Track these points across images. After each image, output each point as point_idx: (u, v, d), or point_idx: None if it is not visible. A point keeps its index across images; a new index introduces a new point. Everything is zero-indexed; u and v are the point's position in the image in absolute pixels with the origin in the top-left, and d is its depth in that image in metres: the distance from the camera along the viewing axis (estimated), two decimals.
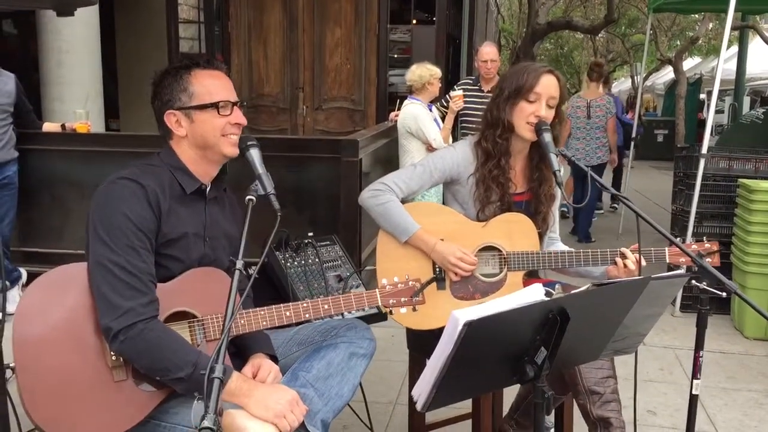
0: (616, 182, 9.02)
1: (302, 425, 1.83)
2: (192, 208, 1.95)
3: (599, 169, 7.04)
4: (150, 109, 2.01)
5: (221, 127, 1.91)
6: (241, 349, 2.01)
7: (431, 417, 2.76)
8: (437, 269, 2.38)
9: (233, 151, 1.95)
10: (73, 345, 1.77)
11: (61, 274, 1.83)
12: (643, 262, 2.26)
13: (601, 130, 7.00)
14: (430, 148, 5.12)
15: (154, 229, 1.83)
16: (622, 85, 30.20)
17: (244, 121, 1.97)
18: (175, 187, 1.92)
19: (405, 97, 5.55)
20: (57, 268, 1.83)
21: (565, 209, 7.96)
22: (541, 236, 2.47)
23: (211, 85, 1.93)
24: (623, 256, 2.34)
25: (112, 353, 1.77)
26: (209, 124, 1.91)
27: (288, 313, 1.93)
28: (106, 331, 1.74)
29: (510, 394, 2.82)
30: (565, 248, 2.58)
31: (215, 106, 1.91)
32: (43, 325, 1.76)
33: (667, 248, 2.33)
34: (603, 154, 7.04)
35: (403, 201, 2.43)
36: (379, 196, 2.38)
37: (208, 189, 2.00)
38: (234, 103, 1.94)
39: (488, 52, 5.56)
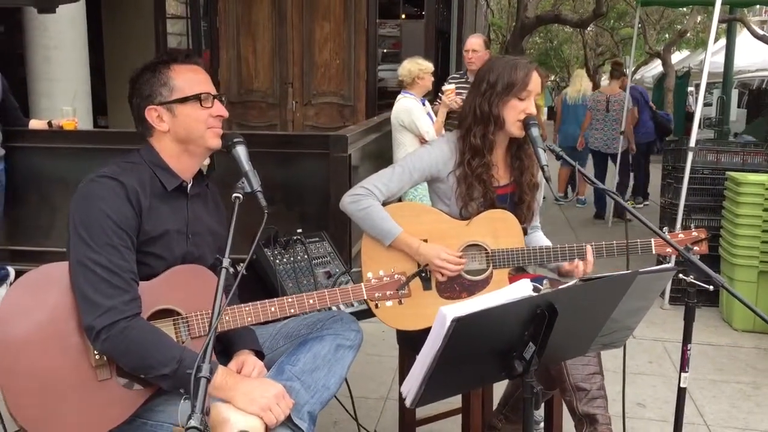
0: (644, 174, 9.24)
1: (289, 418, 1.82)
2: (173, 206, 1.94)
3: (615, 158, 7.94)
4: None
5: (204, 119, 1.91)
6: (226, 346, 2.01)
7: (422, 412, 2.76)
8: (419, 267, 2.37)
9: (217, 143, 1.95)
10: (56, 345, 1.75)
11: (42, 273, 1.81)
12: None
13: (618, 123, 7.82)
14: (423, 141, 5.14)
15: (134, 227, 1.82)
16: None
17: (225, 113, 1.97)
18: (155, 184, 1.90)
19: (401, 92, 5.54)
20: (38, 268, 1.81)
21: (580, 204, 8.89)
22: (525, 230, 2.47)
23: (191, 79, 1.92)
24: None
25: (95, 352, 1.76)
26: (192, 117, 1.90)
27: (273, 309, 1.92)
28: (89, 330, 1.73)
29: (500, 388, 2.82)
30: (544, 240, 2.61)
31: (197, 98, 1.90)
32: (26, 325, 1.75)
33: (652, 239, 2.33)
34: (618, 144, 7.83)
35: (385, 203, 2.42)
36: (360, 201, 2.37)
37: (189, 186, 1.98)
38: (215, 96, 1.94)
39: (472, 42, 5.56)
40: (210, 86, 1.95)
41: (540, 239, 2.63)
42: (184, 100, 1.89)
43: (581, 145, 8.32)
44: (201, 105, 1.90)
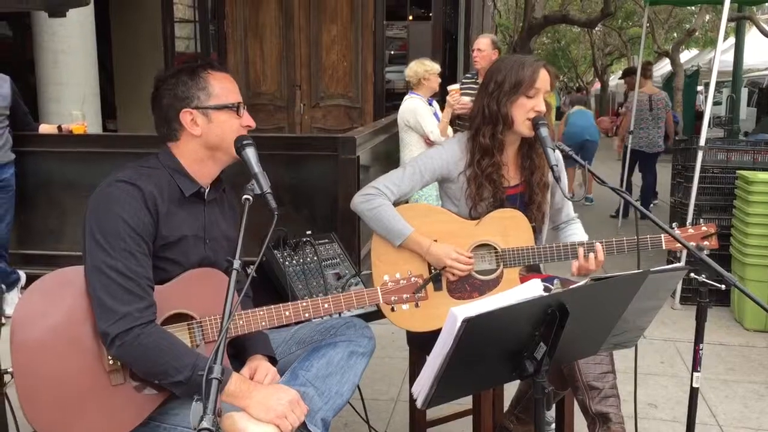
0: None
1: (303, 424, 1.82)
2: (191, 211, 1.94)
3: (656, 157, 8.16)
4: (147, 109, 1.99)
5: (237, 128, 1.92)
6: (239, 351, 2.01)
7: (432, 413, 2.76)
8: (433, 269, 2.37)
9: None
10: (70, 349, 1.76)
11: (57, 277, 1.81)
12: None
13: (662, 121, 7.99)
14: (428, 141, 5.16)
15: (151, 233, 1.82)
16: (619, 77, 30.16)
17: (254, 123, 1.99)
18: (173, 189, 1.90)
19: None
20: (54, 272, 1.82)
21: (588, 201, 9.10)
22: (535, 229, 2.46)
23: (228, 87, 1.94)
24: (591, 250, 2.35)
25: (109, 357, 1.76)
26: (228, 125, 1.91)
27: (287, 313, 1.92)
28: (104, 336, 1.73)
29: (511, 389, 2.82)
30: (581, 233, 2.57)
31: (235, 107, 1.92)
32: (41, 329, 1.75)
33: (662, 235, 2.32)
34: (663, 143, 8.09)
35: (396, 203, 2.41)
36: (371, 200, 2.37)
37: (206, 191, 1.99)
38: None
39: (478, 41, 5.56)
40: (240, 96, 1.98)
41: (574, 232, 2.60)
42: (222, 108, 1.91)
43: (620, 149, 8.82)
44: (237, 114, 1.92)
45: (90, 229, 1.78)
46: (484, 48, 5.45)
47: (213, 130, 1.91)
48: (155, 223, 1.83)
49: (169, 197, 1.88)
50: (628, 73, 9.28)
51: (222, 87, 1.92)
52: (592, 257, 2.34)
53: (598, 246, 2.36)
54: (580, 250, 2.35)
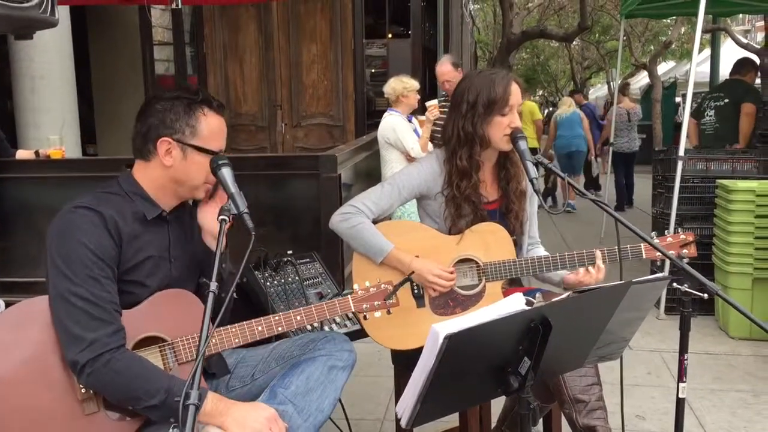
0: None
1: None
2: (154, 232, 1.91)
3: (635, 156, 10.20)
4: (127, 132, 1.95)
5: (206, 175, 1.89)
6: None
7: None
8: (415, 286, 2.35)
9: (203, 197, 1.96)
10: (40, 381, 1.71)
11: (23, 309, 1.77)
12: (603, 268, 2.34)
13: (635, 130, 10.18)
14: (409, 158, 5.15)
15: (115, 257, 1.78)
16: (598, 91, 30.51)
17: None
18: (136, 212, 1.87)
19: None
20: (19, 303, 1.77)
21: (570, 208, 9.75)
22: (516, 242, 2.45)
23: (216, 131, 1.91)
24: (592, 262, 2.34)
25: (81, 386, 1.72)
26: (199, 168, 1.88)
27: (260, 328, 1.89)
28: (73, 364, 1.69)
29: (497, 405, 2.79)
30: (544, 253, 2.57)
31: (215, 155, 1.88)
32: (8, 363, 1.71)
33: (642, 244, 2.31)
34: (637, 144, 10.31)
35: (375, 221, 2.40)
36: (350, 218, 2.34)
37: (168, 213, 1.95)
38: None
39: (443, 72, 5.41)
40: (224, 143, 1.94)
41: (539, 252, 2.61)
42: (201, 150, 1.87)
43: (599, 151, 10.74)
44: None
45: (51, 257, 1.74)
46: (451, 78, 5.29)
47: (184, 167, 1.88)
48: (118, 247, 1.79)
49: (132, 220, 1.85)
50: (575, 92, 12.90)
51: (210, 129, 1.89)
52: (596, 266, 2.33)
53: (599, 253, 2.34)
54: (561, 262, 2.34)
